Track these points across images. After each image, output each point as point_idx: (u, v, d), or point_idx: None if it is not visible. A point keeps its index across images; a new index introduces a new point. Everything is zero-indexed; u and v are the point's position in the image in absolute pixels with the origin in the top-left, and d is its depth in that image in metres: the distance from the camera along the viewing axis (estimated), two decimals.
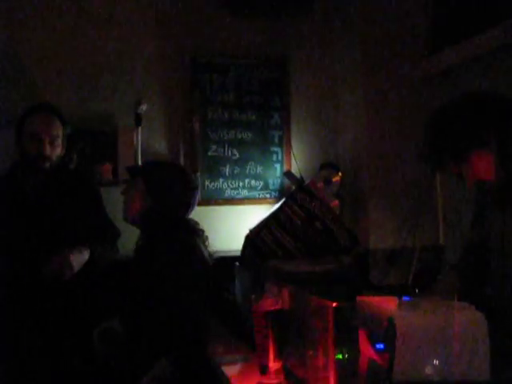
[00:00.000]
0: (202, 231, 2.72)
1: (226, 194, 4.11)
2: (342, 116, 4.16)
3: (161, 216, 2.61)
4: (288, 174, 3.98)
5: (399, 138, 3.75)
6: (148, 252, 2.61)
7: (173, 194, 2.64)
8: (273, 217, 2.98)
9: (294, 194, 3.07)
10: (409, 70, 3.76)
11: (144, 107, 3.84)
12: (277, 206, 3.08)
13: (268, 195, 4.17)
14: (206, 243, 2.71)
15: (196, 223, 2.74)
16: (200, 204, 3.37)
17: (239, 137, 4.12)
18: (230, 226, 3.95)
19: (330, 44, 4.15)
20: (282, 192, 4.09)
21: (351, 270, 2.63)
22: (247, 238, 3.03)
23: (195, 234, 2.68)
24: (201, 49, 4.03)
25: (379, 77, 3.77)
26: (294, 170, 4.04)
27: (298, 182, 3.63)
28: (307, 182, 3.48)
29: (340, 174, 3.90)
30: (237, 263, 3.00)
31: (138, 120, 3.83)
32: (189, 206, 2.71)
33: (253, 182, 4.14)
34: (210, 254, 2.70)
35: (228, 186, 4.09)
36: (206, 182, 4.07)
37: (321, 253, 2.87)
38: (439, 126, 2.03)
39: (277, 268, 2.58)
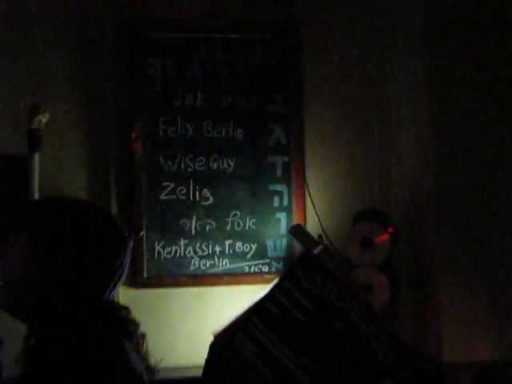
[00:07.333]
0: (136, 327, 1.88)
1: (192, 267, 2.86)
2: (396, 130, 3.04)
3: (60, 299, 1.77)
4: (296, 231, 2.84)
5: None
6: (40, 367, 1.74)
7: (82, 259, 1.78)
8: (256, 311, 2.33)
9: (294, 269, 2.41)
10: None
11: (44, 118, 2.78)
12: (264, 291, 2.42)
13: (265, 268, 2.91)
14: (143, 349, 1.89)
15: (124, 311, 1.87)
16: (143, 284, 2.79)
17: (214, 167, 2.88)
18: (195, 323, 2.88)
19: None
20: (289, 263, 2.95)
21: None
22: (212, 348, 2.47)
23: (122, 332, 1.82)
24: (142, 13, 2.87)
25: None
26: (311, 223, 2.95)
27: (312, 245, 2.67)
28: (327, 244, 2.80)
29: (391, 230, 2.83)
30: None
31: (34, 141, 2.78)
32: (111, 280, 1.86)
33: (238, 245, 2.89)
34: (150, 369, 1.87)
35: (194, 252, 2.85)
36: (157, 247, 2.82)
37: (343, 376, 2.27)
38: None
39: None
